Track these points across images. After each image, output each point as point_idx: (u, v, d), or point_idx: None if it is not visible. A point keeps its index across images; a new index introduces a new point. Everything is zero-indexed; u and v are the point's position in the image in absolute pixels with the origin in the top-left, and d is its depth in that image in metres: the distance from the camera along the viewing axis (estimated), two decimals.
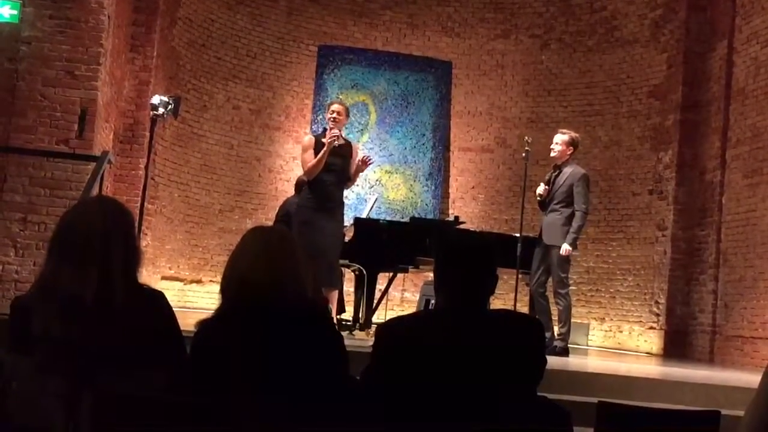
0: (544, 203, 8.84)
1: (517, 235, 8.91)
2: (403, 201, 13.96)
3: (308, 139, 8.31)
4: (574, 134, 9.06)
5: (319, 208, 8.00)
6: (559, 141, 8.90)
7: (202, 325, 3.09)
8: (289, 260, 3.14)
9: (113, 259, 3.04)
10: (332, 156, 8.00)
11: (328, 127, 8.16)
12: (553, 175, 8.88)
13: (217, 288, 3.20)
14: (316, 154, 7.98)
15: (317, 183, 8.02)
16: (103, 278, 2.99)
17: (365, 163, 8.12)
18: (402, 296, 13.19)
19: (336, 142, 8.01)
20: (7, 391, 2.78)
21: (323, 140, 8.03)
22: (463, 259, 3.21)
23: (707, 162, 11.67)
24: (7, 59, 9.01)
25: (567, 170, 8.78)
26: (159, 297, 3.17)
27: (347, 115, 8.36)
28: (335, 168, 8.04)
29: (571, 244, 8.59)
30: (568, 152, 8.88)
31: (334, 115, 8.14)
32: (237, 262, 3.15)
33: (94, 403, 2.71)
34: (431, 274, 7.72)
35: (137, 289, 3.11)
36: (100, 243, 3.03)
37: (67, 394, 2.86)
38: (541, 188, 8.83)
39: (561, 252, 8.58)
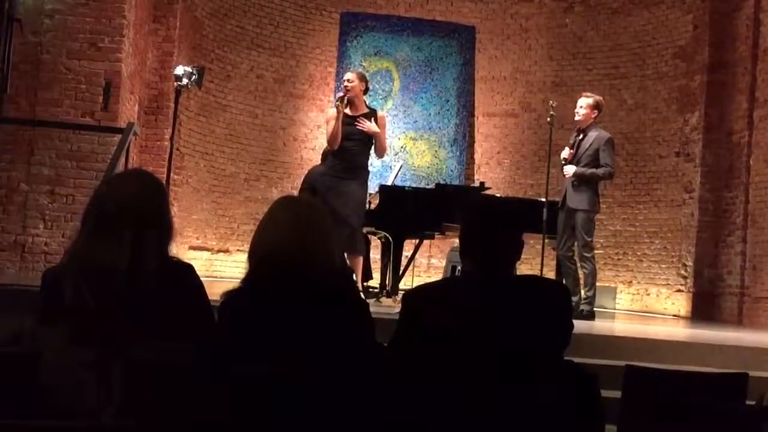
0: (570, 177, 8.79)
1: (543, 199, 8.89)
2: (428, 167, 13.95)
3: (331, 111, 8.42)
4: (598, 97, 9.00)
5: (342, 175, 8.08)
6: (584, 104, 8.85)
7: (229, 295, 3.11)
8: (317, 230, 3.16)
9: (147, 232, 3.07)
10: (353, 125, 8.08)
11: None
12: (578, 138, 8.83)
13: (244, 257, 3.21)
14: (342, 123, 8.08)
15: (340, 151, 8.12)
16: (137, 251, 3.02)
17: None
18: (429, 263, 13.21)
19: (341, 105, 8.10)
20: (39, 361, 2.81)
21: (346, 111, 8.16)
22: (489, 224, 3.22)
23: (734, 123, 11.57)
24: (31, 32, 9.04)
25: (592, 134, 8.74)
26: (188, 269, 3.20)
27: (362, 81, 8.39)
28: (357, 136, 8.11)
29: (581, 171, 8.56)
30: (593, 116, 8.83)
31: (345, 82, 8.28)
32: (265, 231, 3.16)
33: (125, 374, 2.74)
34: (458, 241, 7.73)
35: (168, 261, 3.14)
36: (136, 216, 3.06)
37: (98, 364, 2.90)
38: (565, 152, 8.79)
39: (562, 155, 8.60)
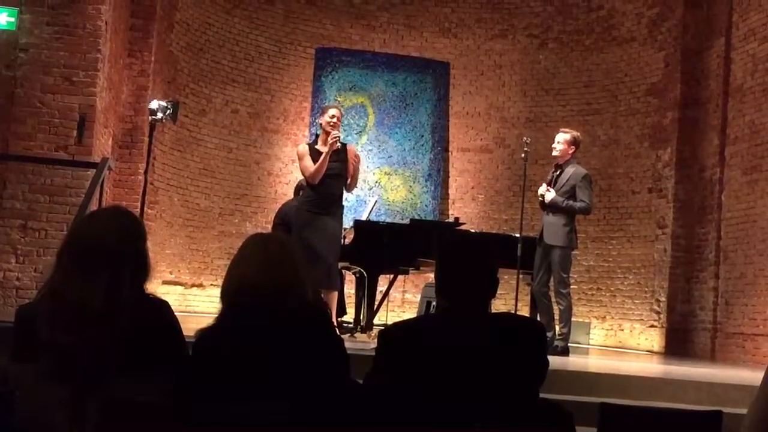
0: (545, 203, 8.79)
1: (517, 235, 8.90)
2: (403, 202, 13.97)
3: (303, 147, 8.27)
4: (576, 133, 8.98)
5: (318, 211, 8.00)
6: (561, 140, 8.84)
7: (202, 333, 3.09)
8: (289, 266, 3.15)
9: (124, 270, 3.04)
10: (330, 159, 7.99)
11: (321, 132, 8.20)
12: (555, 174, 8.82)
13: (218, 292, 3.21)
14: (312, 159, 7.99)
15: (317, 186, 8.02)
16: (112, 289, 2.99)
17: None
18: (403, 297, 13.19)
19: (338, 143, 8.04)
20: (12, 399, 2.79)
21: (316, 147, 8.08)
22: (463, 261, 3.21)
23: (706, 159, 11.68)
24: (5, 66, 9.03)
25: (569, 170, 8.74)
26: (164, 306, 3.17)
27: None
28: (333, 171, 8.04)
29: (557, 200, 8.59)
30: (570, 151, 8.81)
31: (334, 120, 8.14)
32: (237, 269, 3.15)
33: (99, 411, 2.72)
34: (432, 276, 7.71)
35: (143, 299, 3.12)
36: (113, 254, 3.04)
37: (72, 402, 2.87)
38: (543, 188, 8.76)
39: (540, 191, 8.66)
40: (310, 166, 7.97)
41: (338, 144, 8.05)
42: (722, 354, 10.88)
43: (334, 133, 8.01)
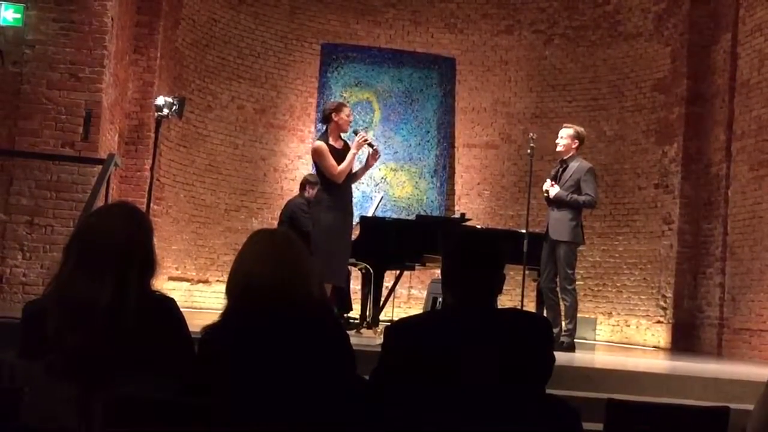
0: (550, 198, 8.78)
1: (523, 231, 8.89)
2: (409, 198, 13.96)
3: (323, 145, 7.95)
4: (579, 128, 8.98)
5: (344, 210, 7.95)
6: (564, 135, 8.84)
7: (209, 329, 3.08)
8: (294, 262, 3.15)
9: (130, 267, 3.03)
10: (341, 158, 7.94)
11: (332, 128, 8.07)
12: (559, 170, 8.81)
13: (223, 288, 3.20)
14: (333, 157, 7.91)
15: (339, 185, 7.95)
16: (119, 286, 2.99)
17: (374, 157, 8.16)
18: (409, 293, 13.20)
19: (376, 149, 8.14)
20: (20, 395, 2.79)
21: (331, 143, 7.96)
22: (470, 257, 3.21)
23: (713, 155, 11.66)
24: (11, 63, 9.04)
25: (573, 164, 8.73)
26: (170, 303, 3.17)
27: None
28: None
29: (561, 194, 8.58)
30: (574, 146, 8.81)
31: (349, 118, 8.16)
32: (242, 264, 3.15)
33: (105, 408, 2.72)
34: (438, 272, 7.70)
35: (149, 295, 3.11)
36: (119, 251, 3.03)
37: (78, 398, 2.87)
38: (547, 184, 8.75)
39: (544, 187, 8.69)
40: (336, 164, 7.85)
41: (376, 148, 8.13)
42: (729, 350, 10.87)
43: (364, 134, 8.08)
